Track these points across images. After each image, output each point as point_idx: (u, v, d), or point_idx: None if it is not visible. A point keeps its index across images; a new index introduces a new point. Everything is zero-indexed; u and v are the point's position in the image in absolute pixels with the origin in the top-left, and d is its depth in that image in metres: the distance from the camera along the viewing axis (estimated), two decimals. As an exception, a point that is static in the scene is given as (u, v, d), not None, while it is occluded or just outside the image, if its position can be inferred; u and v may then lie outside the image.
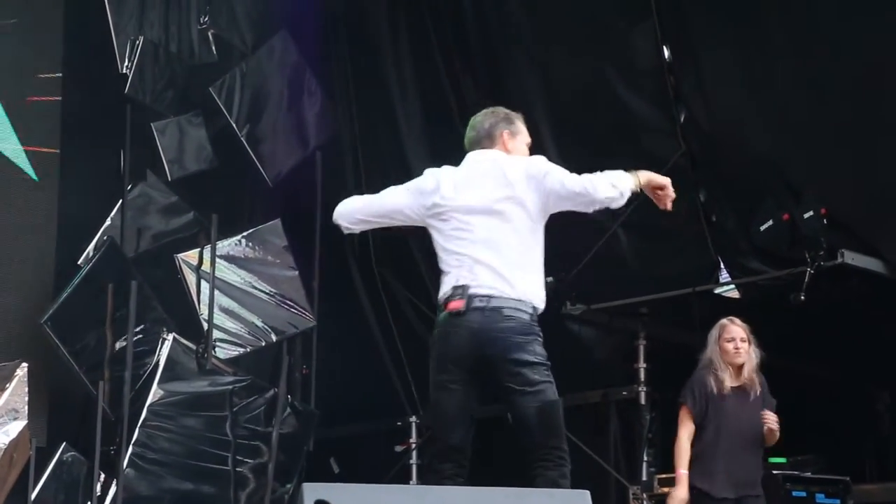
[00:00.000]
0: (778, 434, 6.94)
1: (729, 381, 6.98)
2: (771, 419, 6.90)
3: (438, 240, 5.47)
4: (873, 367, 9.29)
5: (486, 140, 5.53)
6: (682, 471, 6.91)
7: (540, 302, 5.31)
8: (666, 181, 5.43)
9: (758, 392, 6.98)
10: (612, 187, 5.30)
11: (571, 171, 5.50)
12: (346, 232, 5.87)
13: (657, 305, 8.81)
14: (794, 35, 8.12)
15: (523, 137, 5.60)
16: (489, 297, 5.21)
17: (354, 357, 10.41)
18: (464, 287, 5.25)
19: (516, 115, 5.64)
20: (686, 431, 7.00)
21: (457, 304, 5.24)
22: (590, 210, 5.43)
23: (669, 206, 5.46)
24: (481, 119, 5.63)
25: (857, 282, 8.04)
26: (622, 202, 5.37)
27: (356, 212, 5.71)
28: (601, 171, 5.45)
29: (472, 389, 5.30)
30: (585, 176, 5.35)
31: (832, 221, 7.82)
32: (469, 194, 5.38)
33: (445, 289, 5.34)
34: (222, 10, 10.07)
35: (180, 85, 9.68)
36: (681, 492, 6.87)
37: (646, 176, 5.42)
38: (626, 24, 8.95)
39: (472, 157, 5.56)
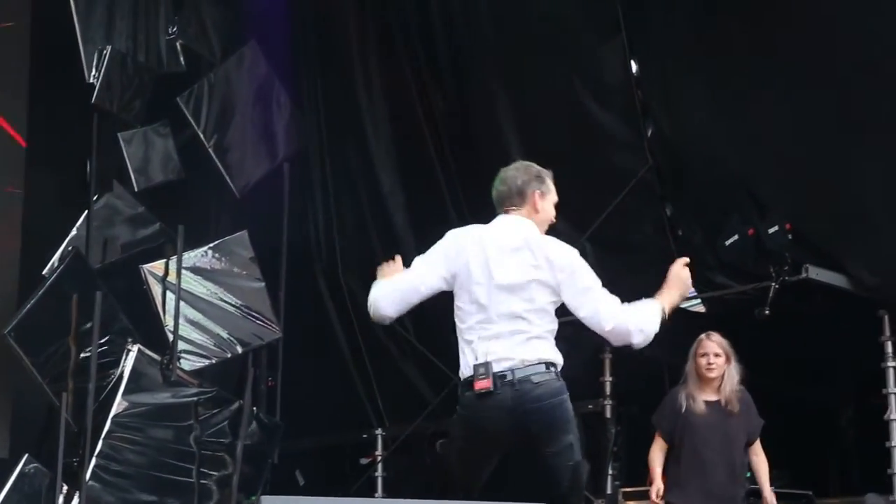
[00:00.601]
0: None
1: (702, 397, 7.01)
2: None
3: (459, 308, 5.44)
4: (837, 381, 9.33)
5: (517, 198, 5.47)
6: (657, 468, 6.96)
7: (559, 359, 5.36)
8: (685, 273, 5.65)
9: (736, 409, 6.99)
10: (639, 332, 5.37)
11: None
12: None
13: (623, 319, 8.80)
14: (760, 51, 8.16)
15: (552, 197, 5.53)
16: (513, 369, 5.22)
17: (320, 369, 10.39)
18: (486, 365, 5.24)
19: (547, 172, 5.57)
20: (657, 445, 7.07)
21: (484, 384, 5.22)
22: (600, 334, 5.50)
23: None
24: (513, 174, 5.54)
25: (821, 297, 8.07)
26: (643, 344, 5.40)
27: (395, 304, 5.54)
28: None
29: (498, 459, 5.38)
30: (615, 305, 5.40)
31: (797, 236, 7.86)
32: (496, 272, 5.34)
33: (465, 365, 5.33)
34: (191, 21, 10.05)
35: (148, 95, 9.66)
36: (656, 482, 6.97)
37: (671, 300, 5.51)
38: (594, 39, 8.98)
39: (503, 223, 5.51)
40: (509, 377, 5.20)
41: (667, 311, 5.40)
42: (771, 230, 7.85)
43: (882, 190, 7.75)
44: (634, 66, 8.80)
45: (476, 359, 5.25)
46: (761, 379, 8.86)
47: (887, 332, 8.01)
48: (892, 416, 7.90)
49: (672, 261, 8.47)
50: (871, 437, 8.41)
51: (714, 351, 7.05)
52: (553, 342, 5.35)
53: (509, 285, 5.29)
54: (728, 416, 7.00)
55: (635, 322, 5.32)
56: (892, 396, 7.92)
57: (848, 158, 7.85)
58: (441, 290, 5.49)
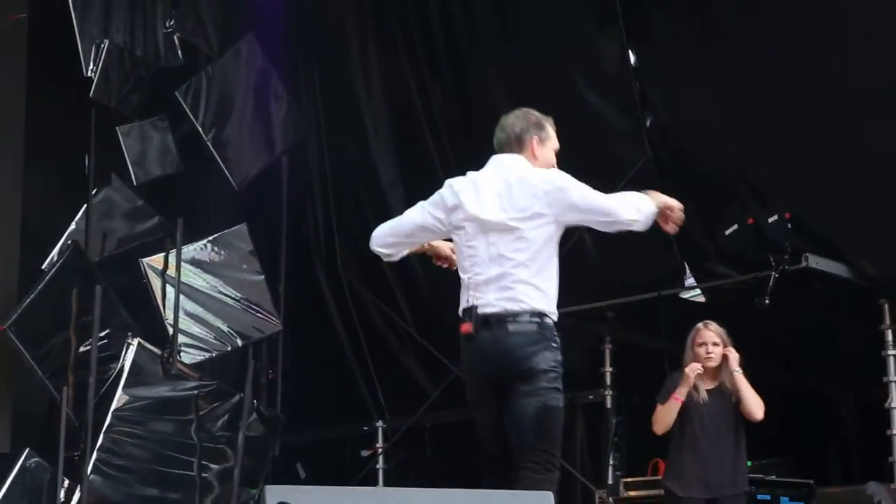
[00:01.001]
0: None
1: (703, 385, 7.02)
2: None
3: (457, 252, 5.57)
4: (838, 370, 9.33)
5: (516, 144, 5.51)
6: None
7: (550, 310, 5.34)
8: (676, 203, 5.47)
9: (733, 395, 7.00)
10: (636, 210, 5.36)
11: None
12: (386, 259, 5.86)
13: (623, 309, 8.82)
14: (758, 41, 8.16)
15: (552, 143, 5.57)
16: (495, 314, 5.30)
17: (321, 362, 10.39)
18: (471, 308, 5.35)
19: (547, 119, 5.61)
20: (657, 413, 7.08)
21: (467, 328, 5.36)
22: (612, 230, 5.51)
23: (674, 229, 5.45)
24: (512, 122, 5.59)
25: (821, 286, 8.07)
26: (645, 226, 5.41)
27: (386, 235, 5.68)
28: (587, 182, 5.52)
29: (501, 402, 5.36)
30: (609, 195, 5.45)
31: (797, 226, 7.85)
32: (487, 209, 5.40)
33: (459, 309, 5.43)
34: (188, 14, 10.04)
35: (146, 88, 9.65)
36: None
37: (659, 198, 5.46)
38: (592, 30, 8.96)
39: (498, 162, 5.55)
40: (489, 323, 5.30)
41: (657, 204, 5.44)
42: (770, 219, 7.85)
43: (882, 178, 7.74)
44: (632, 57, 8.79)
45: (467, 302, 5.38)
46: (762, 368, 8.89)
47: (887, 321, 8.00)
48: (893, 405, 7.89)
49: (672, 251, 8.59)
50: (872, 425, 8.41)
51: (712, 340, 7.06)
52: (548, 287, 5.35)
53: (498, 224, 5.35)
54: (728, 402, 7.00)
55: (632, 199, 5.43)
56: (893, 385, 7.92)
57: (848, 147, 7.84)
58: (430, 232, 5.63)
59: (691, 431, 6.96)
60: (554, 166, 5.54)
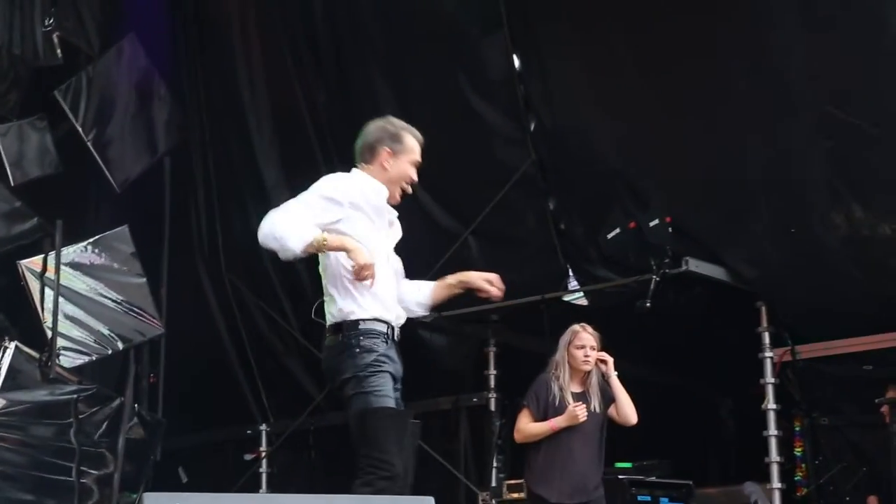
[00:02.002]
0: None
1: (572, 388, 7.05)
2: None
3: None
4: (717, 373, 9.48)
5: (368, 153, 5.42)
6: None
7: (352, 316, 5.22)
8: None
9: (597, 405, 7.04)
10: (271, 237, 5.08)
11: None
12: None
13: (507, 312, 8.88)
14: (638, 44, 8.27)
15: (409, 156, 5.40)
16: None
17: (204, 365, 10.30)
18: None
19: (409, 130, 5.46)
20: (524, 419, 7.09)
21: None
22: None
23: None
24: (371, 129, 5.49)
25: (701, 289, 8.20)
26: (283, 254, 5.11)
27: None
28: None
29: None
30: (294, 213, 5.16)
31: (677, 230, 7.96)
32: None
33: None
34: (68, 13, 9.88)
35: (24, 88, 9.48)
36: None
37: (341, 244, 5.14)
38: (477, 33, 9.01)
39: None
40: None
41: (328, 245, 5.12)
42: (651, 223, 7.94)
43: (760, 183, 7.88)
44: (517, 61, 8.85)
45: None
46: (642, 370, 9.01)
47: (764, 323, 8.16)
48: (770, 406, 8.04)
49: (555, 254, 8.66)
50: (750, 426, 8.56)
51: (591, 343, 7.09)
52: (345, 292, 5.22)
53: None
54: (594, 411, 7.04)
55: (281, 223, 5.11)
56: (770, 387, 8.07)
57: (727, 152, 7.97)
58: None
59: (557, 435, 6.97)
60: (410, 179, 5.42)
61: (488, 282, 5.66)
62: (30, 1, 9.61)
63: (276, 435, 10.15)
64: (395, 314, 5.34)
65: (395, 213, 5.50)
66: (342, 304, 5.23)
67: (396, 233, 5.54)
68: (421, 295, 5.68)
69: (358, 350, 5.16)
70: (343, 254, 5.18)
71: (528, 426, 7.07)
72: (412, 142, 5.43)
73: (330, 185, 5.29)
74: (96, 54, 10.01)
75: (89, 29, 10.01)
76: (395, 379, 5.25)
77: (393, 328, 5.28)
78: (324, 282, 5.35)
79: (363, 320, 5.20)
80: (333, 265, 5.26)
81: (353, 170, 5.45)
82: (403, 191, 5.45)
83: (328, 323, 5.30)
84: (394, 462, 5.04)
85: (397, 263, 5.55)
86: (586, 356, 7.06)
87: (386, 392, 5.13)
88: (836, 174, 7.64)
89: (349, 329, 5.20)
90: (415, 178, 5.44)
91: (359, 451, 5.11)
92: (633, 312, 7.78)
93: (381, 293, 5.26)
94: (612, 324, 7.50)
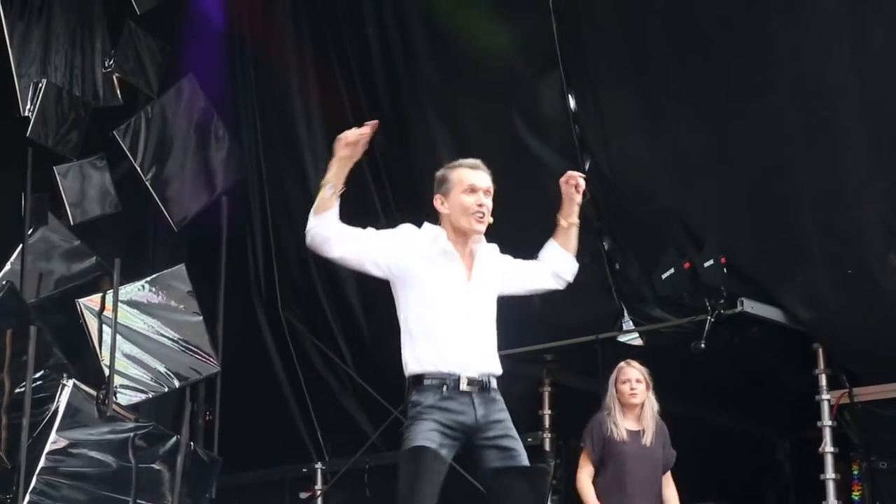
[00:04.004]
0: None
1: (625, 424, 7.04)
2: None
3: None
4: (774, 415, 9.39)
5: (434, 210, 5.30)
6: (591, 497, 6.96)
7: (406, 367, 5.10)
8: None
9: (652, 440, 7.02)
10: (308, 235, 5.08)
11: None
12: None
13: (562, 352, 8.85)
14: (694, 85, 8.24)
15: (458, 187, 5.20)
16: None
17: (259, 403, 10.33)
18: None
19: (453, 166, 5.28)
20: (585, 471, 7.09)
21: None
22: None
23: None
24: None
25: (756, 330, 8.13)
26: (314, 238, 5.07)
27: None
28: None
29: None
30: None
31: (732, 270, 7.91)
32: None
33: None
34: (128, 54, 10.03)
35: (84, 128, 9.60)
36: None
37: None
38: (532, 73, 9.02)
39: None
40: None
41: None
42: (706, 264, 7.89)
43: (816, 224, 7.82)
44: (572, 101, 8.85)
45: None
46: (699, 411, 8.94)
47: (821, 365, 8.06)
48: (827, 449, 7.95)
49: (610, 294, 8.63)
50: (807, 469, 8.46)
51: (636, 377, 7.10)
52: (407, 342, 5.10)
53: None
54: (649, 445, 7.02)
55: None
56: (827, 429, 7.97)
57: (782, 193, 7.92)
58: None
59: (615, 472, 6.96)
60: (473, 207, 5.18)
61: (569, 183, 5.47)
62: (90, 43, 9.77)
63: (332, 473, 10.15)
64: (461, 362, 5.05)
65: (482, 244, 5.25)
66: (403, 355, 5.12)
67: (487, 268, 5.27)
68: (557, 259, 5.51)
69: (410, 404, 5.05)
70: (400, 296, 5.10)
71: (583, 484, 7.05)
72: (457, 173, 5.25)
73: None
74: (155, 95, 10.13)
75: (148, 70, 10.15)
76: (458, 430, 5.00)
77: (455, 377, 5.02)
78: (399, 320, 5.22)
79: (415, 373, 5.05)
80: (401, 315, 5.15)
81: (424, 225, 5.31)
82: (477, 218, 5.17)
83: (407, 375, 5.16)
84: None
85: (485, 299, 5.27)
86: (633, 389, 7.07)
87: (418, 436, 4.94)
88: (892, 214, 7.57)
89: (409, 383, 5.09)
90: (479, 202, 5.17)
91: None
92: (688, 353, 7.74)
93: (440, 343, 5.06)
94: (667, 364, 7.46)
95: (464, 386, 5.03)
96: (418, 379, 5.04)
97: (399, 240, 5.17)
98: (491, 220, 5.20)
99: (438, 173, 5.31)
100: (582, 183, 5.45)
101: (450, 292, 5.14)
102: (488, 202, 5.20)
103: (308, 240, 5.04)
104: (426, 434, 4.95)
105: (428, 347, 5.07)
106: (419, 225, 5.30)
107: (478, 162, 5.30)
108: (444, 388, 5.01)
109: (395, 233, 5.21)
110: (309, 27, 10.43)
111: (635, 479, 6.96)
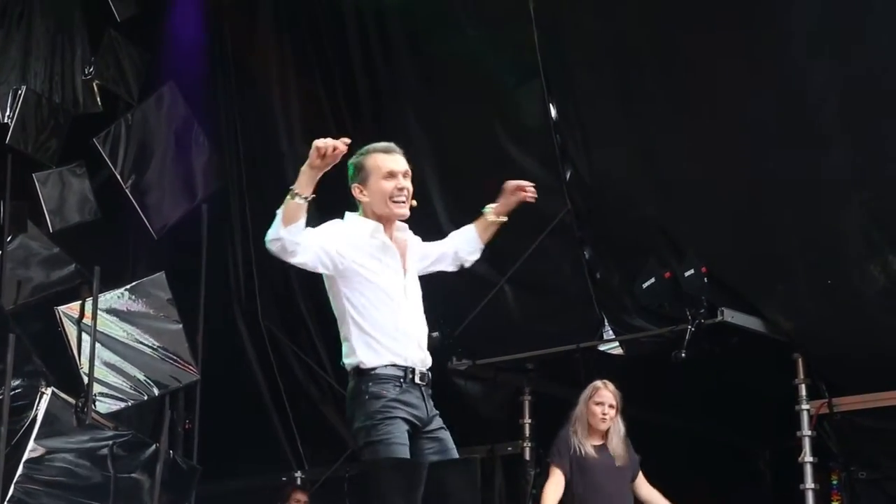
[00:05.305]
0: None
1: (589, 441, 7.06)
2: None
3: None
4: (754, 425, 9.41)
5: (355, 200, 5.18)
6: None
7: (360, 362, 4.96)
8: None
9: (621, 458, 7.03)
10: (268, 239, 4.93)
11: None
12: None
13: (543, 361, 8.86)
14: (675, 94, 8.26)
15: (375, 174, 5.08)
16: None
17: (239, 411, 10.31)
18: None
19: (368, 151, 5.14)
20: (552, 483, 7.06)
21: None
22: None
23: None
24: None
25: (737, 340, 8.14)
26: (278, 243, 4.89)
27: None
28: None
29: None
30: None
31: (713, 280, 7.92)
32: None
33: None
34: (108, 61, 10.00)
35: (64, 135, 9.57)
36: None
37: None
38: (514, 82, 9.03)
39: None
40: None
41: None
42: (687, 273, 7.90)
43: (796, 234, 7.85)
44: (553, 110, 8.85)
45: None
46: (678, 421, 8.95)
47: (801, 375, 8.08)
48: (807, 459, 7.96)
49: (590, 304, 8.63)
50: (787, 479, 8.47)
51: (610, 402, 7.10)
52: (356, 335, 4.98)
53: None
54: (618, 465, 7.04)
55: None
56: (806, 439, 7.99)
57: (763, 202, 7.94)
58: None
59: (583, 488, 6.98)
60: (393, 191, 5.05)
61: (519, 188, 5.42)
62: (70, 50, 9.73)
63: (312, 482, 10.13)
64: (417, 355, 5.03)
65: (406, 232, 5.19)
66: (356, 341, 4.99)
67: (413, 257, 5.21)
68: (467, 244, 5.45)
69: (367, 397, 4.91)
70: (347, 293, 5.00)
71: (547, 493, 7.05)
72: (373, 160, 5.12)
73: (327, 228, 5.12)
74: (135, 102, 10.11)
75: (129, 77, 10.13)
76: (414, 425, 4.95)
77: (411, 370, 4.98)
78: (335, 313, 5.11)
79: (373, 366, 4.94)
80: (340, 306, 5.06)
81: (346, 215, 5.21)
82: (400, 204, 5.07)
83: (346, 364, 5.04)
84: None
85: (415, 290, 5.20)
86: (604, 414, 7.07)
87: (396, 440, 4.85)
88: (872, 225, 7.59)
89: (359, 374, 4.96)
90: (399, 185, 5.06)
91: None
92: (668, 362, 7.74)
93: (395, 333, 5.00)
94: (647, 374, 7.47)
95: (417, 379, 5.00)
96: (374, 370, 4.92)
97: (340, 237, 5.04)
98: (415, 202, 5.12)
99: (352, 161, 5.15)
100: (531, 193, 5.40)
101: (394, 289, 5.07)
102: (408, 184, 5.10)
103: (275, 248, 4.90)
104: (404, 439, 4.88)
105: (382, 342, 4.97)
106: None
107: (391, 145, 5.18)
108: (402, 381, 4.94)
109: (333, 229, 5.07)
110: (290, 35, 10.43)
111: (608, 491, 6.97)
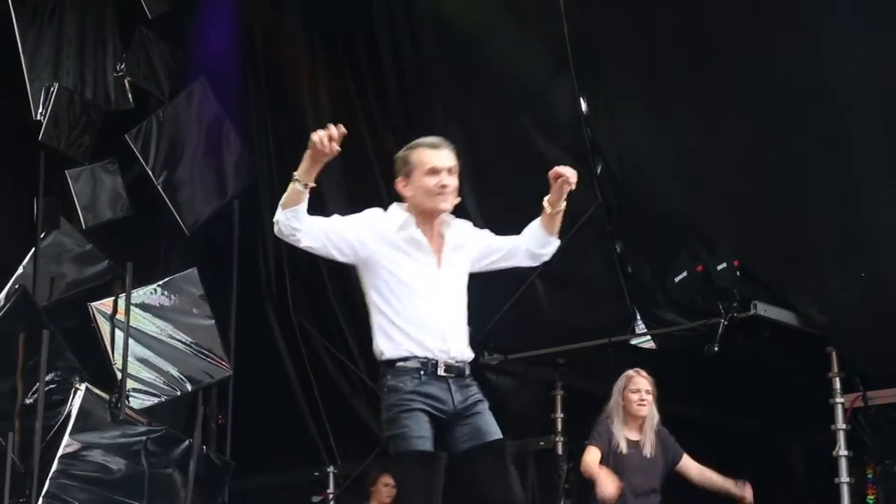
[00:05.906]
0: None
1: (626, 434, 7.02)
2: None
3: None
4: (788, 418, 9.37)
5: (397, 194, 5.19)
6: (600, 469, 6.84)
7: (381, 352, 4.98)
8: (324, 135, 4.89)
9: (652, 451, 6.99)
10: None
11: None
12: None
13: (574, 356, 8.85)
14: (706, 88, 8.22)
15: (419, 169, 5.05)
16: None
17: (271, 406, 10.34)
18: None
19: (413, 146, 5.12)
20: (590, 454, 6.96)
21: None
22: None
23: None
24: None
25: (769, 333, 8.11)
26: (275, 228, 5.00)
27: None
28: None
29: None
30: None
31: (745, 273, 7.89)
32: None
33: None
34: (139, 58, 10.05)
35: (96, 132, 9.62)
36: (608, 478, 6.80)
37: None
38: (544, 76, 9.01)
39: None
40: None
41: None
42: (719, 267, 7.88)
43: (829, 227, 7.81)
44: (583, 104, 8.83)
45: None
46: (711, 415, 8.92)
47: (835, 369, 8.05)
48: (841, 453, 7.93)
49: (622, 298, 8.61)
50: (821, 473, 8.44)
51: (646, 388, 7.07)
52: (376, 327, 5.00)
53: None
54: (649, 457, 7.00)
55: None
56: (841, 433, 7.96)
57: (795, 196, 7.90)
58: None
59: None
60: (437, 188, 5.03)
61: (556, 175, 5.34)
62: (102, 47, 9.78)
63: (344, 477, 10.14)
64: (440, 346, 4.97)
65: (456, 228, 5.15)
66: (375, 341, 5.02)
67: (460, 252, 5.16)
68: (536, 239, 5.43)
69: (387, 389, 4.93)
70: (371, 283, 5.02)
71: (590, 459, 6.95)
72: (418, 154, 5.09)
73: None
74: (167, 99, 10.15)
75: (160, 74, 10.17)
76: (433, 415, 4.91)
77: (433, 363, 4.94)
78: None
79: (391, 357, 4.93)
80: (367, 296, 5.06)
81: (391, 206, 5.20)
82: (440, 198, 5.04)
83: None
84: None
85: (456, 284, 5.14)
86: (641, 400, 7.03)
87: (413, 433, 4.83)
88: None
89: (383, 366, 4.97)
90: (442, 183, 5.02)
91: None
92: (701, 356, 7.72)
93: (415, 331, 4.96)
94: (679, 368, 7.45)
95: (441, 371, 4.95)
96: (393, 363, 4.93)
97: (364, 225, 5.05)
98: (458, 199, 5.10)
99: (399, 154, 5.16)
100: (572, 179, 5.32)
101: (421, 282, 5.03)
102: (453, 181, 5.07)
103: (276, 230, 5.00)
104: (423, 431, 4.86)
105: (403, 334, 4.96)
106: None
107: (439, 140, 5.16)
108: (422, 372, 4.92)
109: (359, 218, 5.09)
110: (320, 31, 10.44)
111: (633, 490, 6.94)
